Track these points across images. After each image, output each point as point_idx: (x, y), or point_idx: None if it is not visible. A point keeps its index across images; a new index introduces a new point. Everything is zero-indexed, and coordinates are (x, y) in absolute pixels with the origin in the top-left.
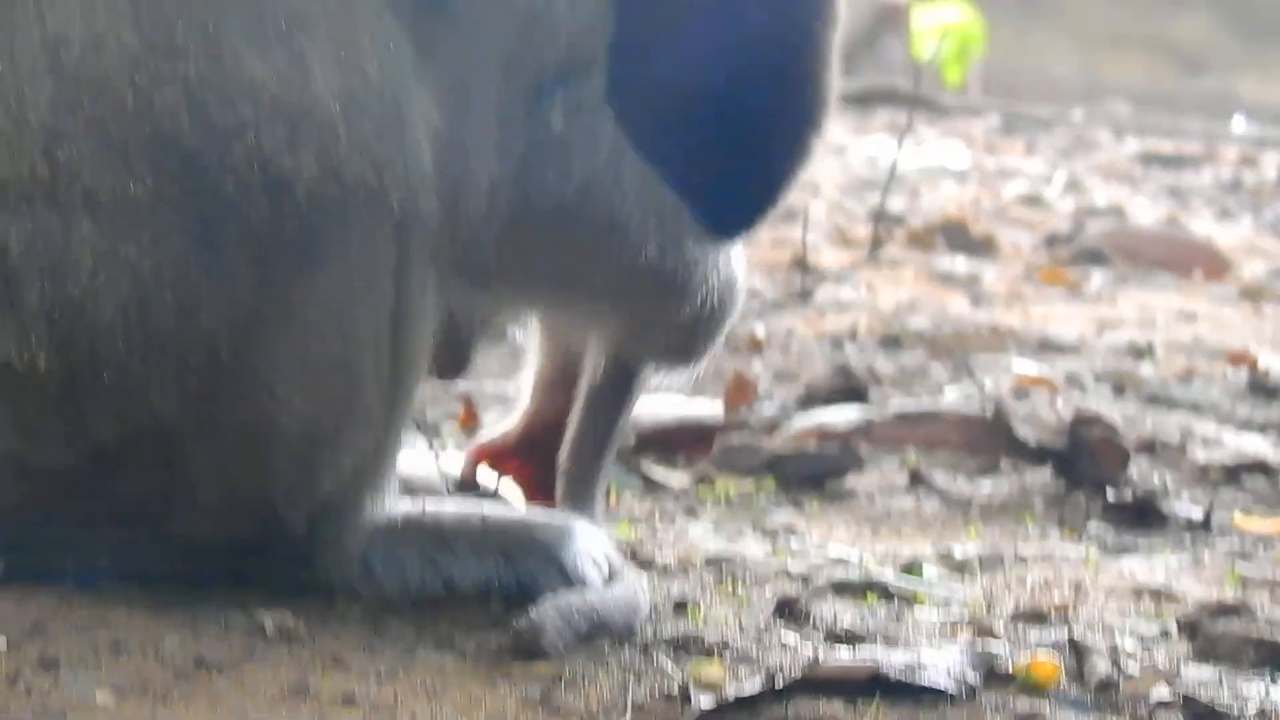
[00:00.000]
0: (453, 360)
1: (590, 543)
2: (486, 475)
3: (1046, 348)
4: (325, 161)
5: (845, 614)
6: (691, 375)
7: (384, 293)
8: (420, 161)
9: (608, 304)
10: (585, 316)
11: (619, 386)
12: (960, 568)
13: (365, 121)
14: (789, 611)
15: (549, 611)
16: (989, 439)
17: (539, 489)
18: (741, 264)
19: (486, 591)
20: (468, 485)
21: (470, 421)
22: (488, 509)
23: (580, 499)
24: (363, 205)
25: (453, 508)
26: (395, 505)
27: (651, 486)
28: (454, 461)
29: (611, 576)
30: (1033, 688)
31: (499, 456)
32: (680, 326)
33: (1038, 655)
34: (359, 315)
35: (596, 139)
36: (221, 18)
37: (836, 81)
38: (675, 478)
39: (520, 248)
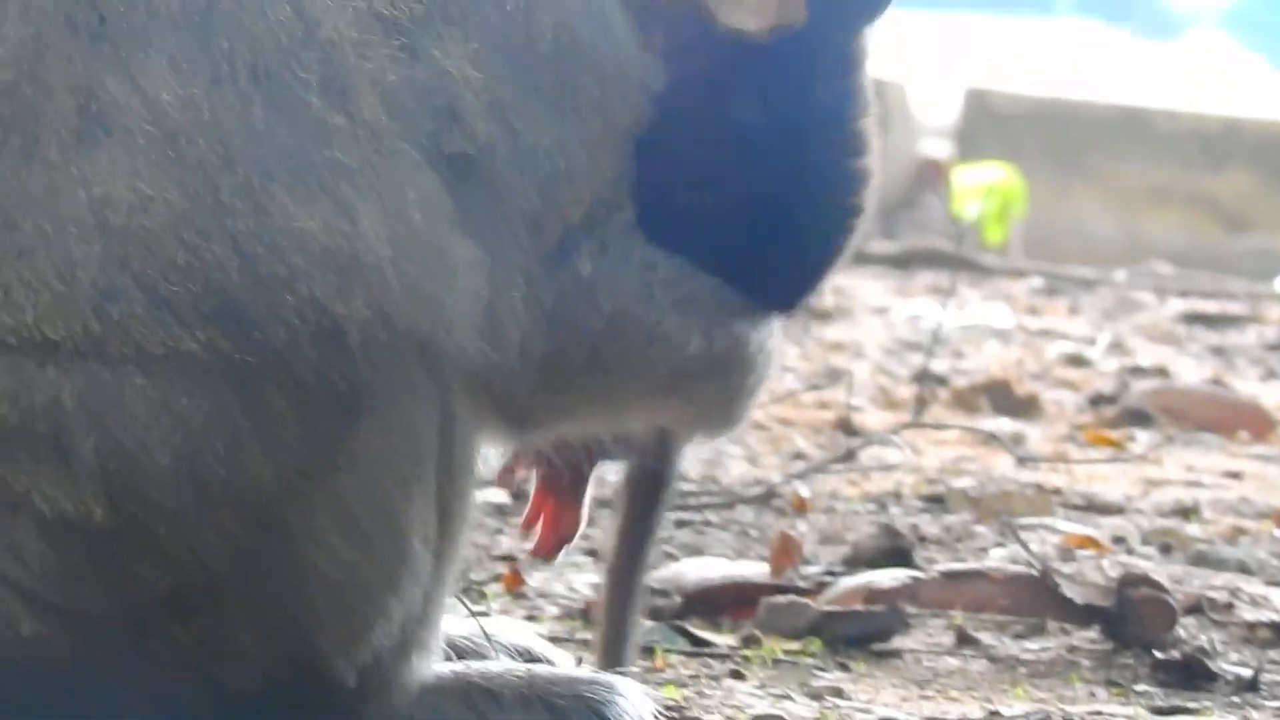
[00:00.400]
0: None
1: (635, 701)
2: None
3: (1092, 508)
4: (377, 307)
5: None
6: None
7: (430, 441)
8: (466, 308)
9: (656, 404)
10: (632, 423)
11: (657, 473)
12: None
13: (413, 267)
14: None
15: None
16: (1035, 599)
17: (568, 494)
18: (777, 329)
19: None
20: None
21: (515, 583)
22: (533, 666)
23: (623, 598)
24: (412, 352)
25: (498, 666)
26: (440, 661)
27: (697, 647)
28: (499, 625)
29: None
30: None
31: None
32: (725, 401)
33: None
34: (406, 464)
35: (624, 267)
36: (266, 172)
37: (875, 163)
38: (721, 638)
39: (560, 385)
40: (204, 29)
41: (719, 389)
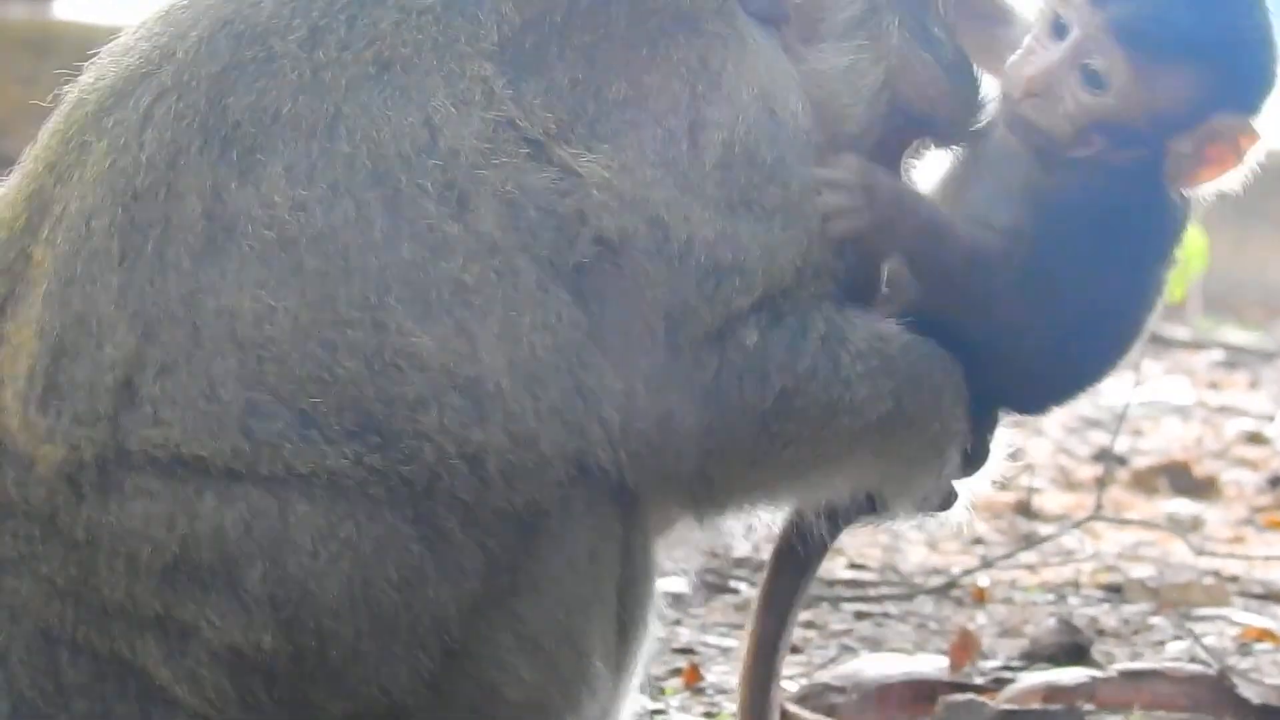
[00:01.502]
0: None
1: None
2: None
3: (1269, 596)
4: (514, 432)
5: None
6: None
7: (608, 556)
8: (611, 416)
9: (852, 473)
10: (833, 490)
11: (808, 549)
12: None
13: (542, 391)
14: None
15: None
16: (1213, 699)
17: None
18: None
19: None
20: None
21: (694, 678)
22: None
23: (764, 671)
24: (564, 473)
25: None
26: None
27: None
28: None
29: None
30: None
31: None
32: (927, 475)
33: None
34: (585, 583)
35: (800, 340)
36: (383, 284)
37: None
38: None
39: (733, 461)
40: (328, 135)
41: (922, 463)
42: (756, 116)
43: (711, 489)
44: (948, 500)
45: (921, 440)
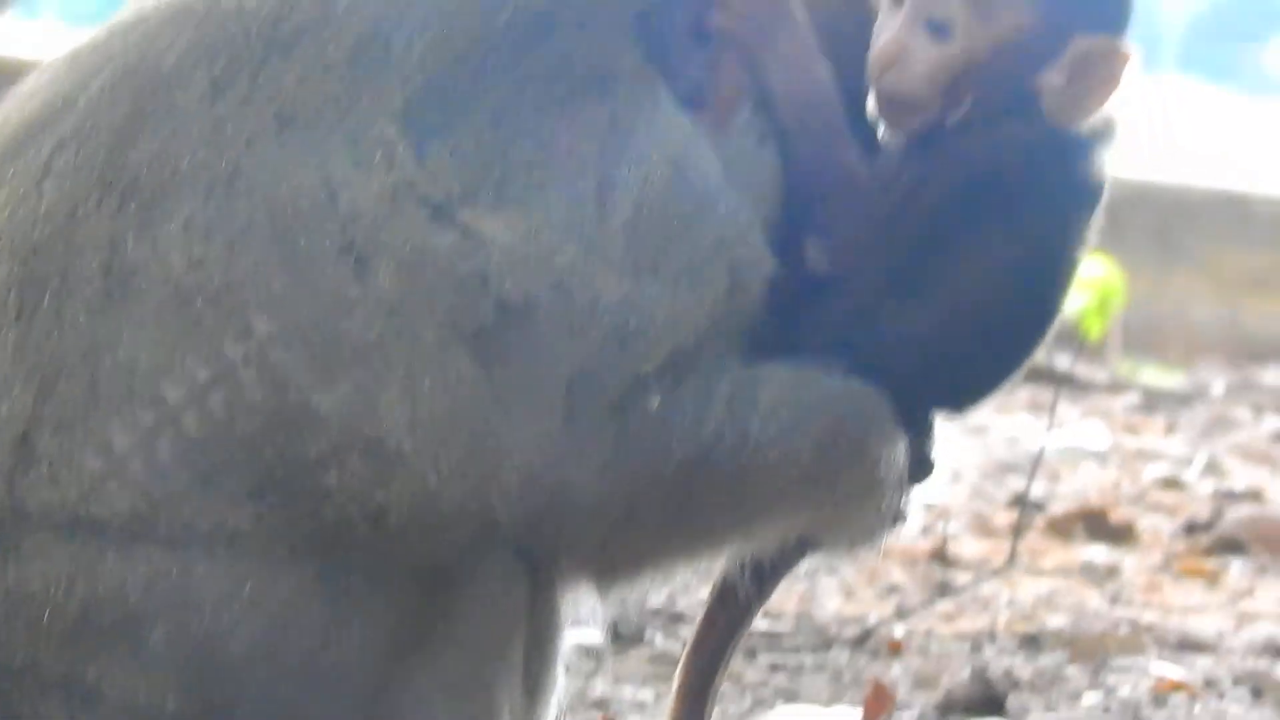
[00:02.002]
0: None
1: None
2: None
3: (1185, 646)
4: (416, 492)
5: None
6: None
7: (515, 612)
8: (514, 479)
9: (770, 525)
10: (755, 544)
11: (746, 596)
12: None
13: (447, 452)
14: None
15: None
16: None
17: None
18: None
19: None
20: None
21: None
22: None
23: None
24: (467, 532)
25: None
26: None
27: None
28: None
29: None
30: None
31: None
32: (852, 516)
33: None
34: (492, 640)
35: (705, 399)
36: (284, 343)
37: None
38: None
39: (643, 526)
40: (227, 191)
41: (856, 502)
42: (667, 177)
43: (614, 561)
44: (898, 518)
45: (851, 483)
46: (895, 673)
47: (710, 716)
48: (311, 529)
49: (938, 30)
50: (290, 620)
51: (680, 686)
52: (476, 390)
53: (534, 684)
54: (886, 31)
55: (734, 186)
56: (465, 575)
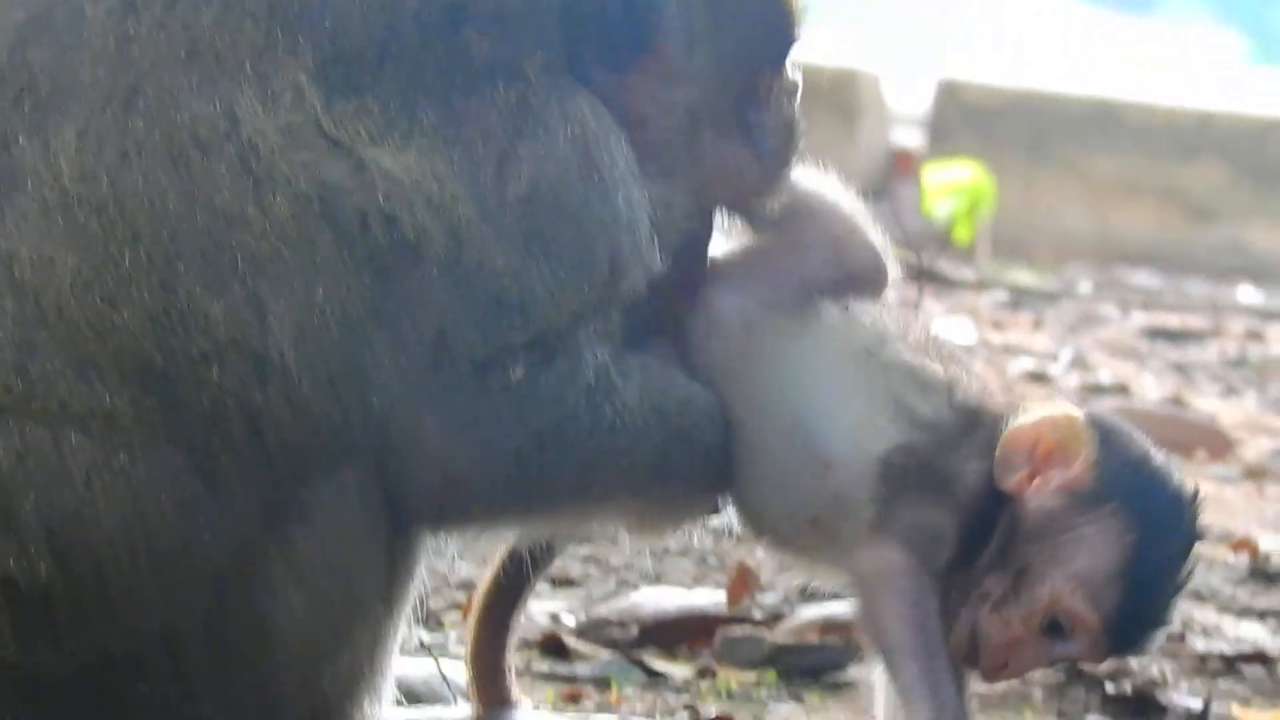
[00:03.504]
0: None
1: None
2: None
3: None
4: (290, 401)
5: None
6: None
7: (377, 518)
8: (374, 407)
9: (613, 503)
10: (598, 519)
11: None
12: None
13: (325, 362)
14: None
15: None
16: None
17: None
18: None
19: None
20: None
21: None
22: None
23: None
24: (338, 437)
25: (453, 713)
26: (393, 706)
27: (653, 679)
28: (457, 668)
29: None
30: None
31: None
32: (680, 500)
33: None
34: (356, 516)
35: (569, 385)
36: (173, 252)
37: None
38: (677, 669)
39: (496, 489)
40: (124, 107)
41: (679, 508)
42: (569, 159)
43: (446, 508)
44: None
45: (682, 490)
46: (758, 556)
47: (519, 615)
48: (188, 418)
49: None
50: (158, 492)
51: (487, 588)
52: (359, 312)
53: (396, 562)
54: None
55: (641, 184)
56: (331, 466)
